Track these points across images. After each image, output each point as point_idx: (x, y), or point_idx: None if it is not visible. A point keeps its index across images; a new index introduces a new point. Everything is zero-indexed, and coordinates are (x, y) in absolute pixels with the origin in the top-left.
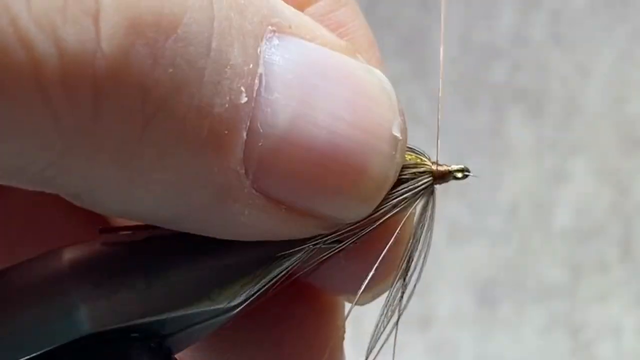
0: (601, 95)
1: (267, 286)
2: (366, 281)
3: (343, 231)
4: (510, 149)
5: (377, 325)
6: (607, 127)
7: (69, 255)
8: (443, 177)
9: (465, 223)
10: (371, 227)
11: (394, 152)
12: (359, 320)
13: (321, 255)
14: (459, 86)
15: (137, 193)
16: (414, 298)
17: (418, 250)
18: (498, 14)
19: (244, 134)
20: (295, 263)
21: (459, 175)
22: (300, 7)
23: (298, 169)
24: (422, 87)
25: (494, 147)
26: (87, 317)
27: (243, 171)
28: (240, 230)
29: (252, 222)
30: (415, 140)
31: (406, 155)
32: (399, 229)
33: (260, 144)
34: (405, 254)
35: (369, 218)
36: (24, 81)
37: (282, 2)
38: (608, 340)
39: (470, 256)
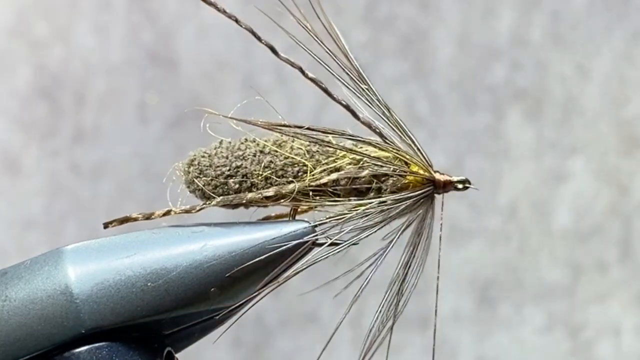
0: (601, 95)
1: (263, 286)
2: None
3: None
4: (510, 149)
5: (372, 327)
6: (606, 127)
7: (71, 254)
8: (444, 186)
9: (465, 223)
10: (373, 231)
11: None
12: (358, 321)
13: (316, 260)
14: (459, 86)
15: None
16: (414, 298)
17: (416, 257)
18: (498, 14)
19: None
20: (289, 265)
21: (460, 186)
22: None
23: None
24: (422, 87)
25: (494, 147)
26: (87, 316)
27: None
28: None
29: None
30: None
31: (412, 161)
32: None
33: None
34: (403, 261)
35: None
36: None
37: None
38: (607, 340)
39: (470, 256)
